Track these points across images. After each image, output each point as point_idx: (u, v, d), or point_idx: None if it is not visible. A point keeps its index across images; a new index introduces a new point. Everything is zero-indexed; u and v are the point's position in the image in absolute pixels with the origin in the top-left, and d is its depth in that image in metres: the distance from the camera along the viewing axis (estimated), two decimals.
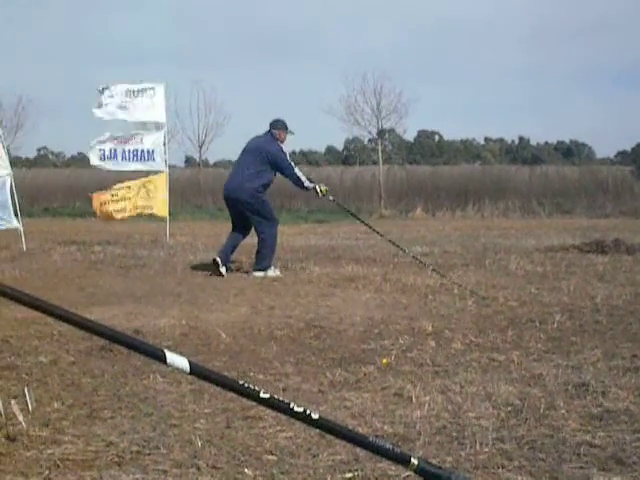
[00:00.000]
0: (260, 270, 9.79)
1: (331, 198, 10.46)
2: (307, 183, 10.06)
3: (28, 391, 3.87)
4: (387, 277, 9.31)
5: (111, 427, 3.72)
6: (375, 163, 33.65)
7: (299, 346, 5.68)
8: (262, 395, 2.23)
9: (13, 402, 3.66)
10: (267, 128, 10.23)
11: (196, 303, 7.63)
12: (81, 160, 51.23)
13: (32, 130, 38.06)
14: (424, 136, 66.85)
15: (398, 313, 6.99)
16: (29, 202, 28.10)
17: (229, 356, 5.35)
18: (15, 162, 15.67)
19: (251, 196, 9.92)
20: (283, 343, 5.77)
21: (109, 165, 15.57)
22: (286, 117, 10.30)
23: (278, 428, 3.68)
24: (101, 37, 55.27)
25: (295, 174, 9.94)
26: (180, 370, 2.18)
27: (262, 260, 9.95)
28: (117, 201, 15.27)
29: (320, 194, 10.04)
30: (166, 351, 2.15)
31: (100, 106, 15.21)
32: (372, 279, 9.18)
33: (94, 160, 15.53)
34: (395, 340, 5.79)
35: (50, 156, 61.13)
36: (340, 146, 57.71)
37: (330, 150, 59.05)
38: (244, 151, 10.26)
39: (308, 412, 2.32)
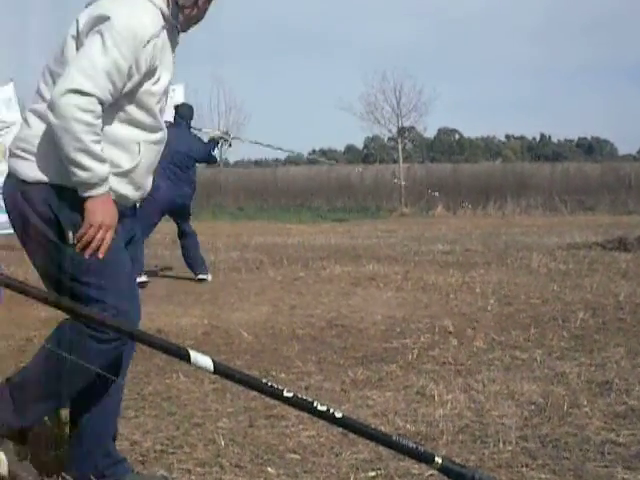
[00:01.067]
0: None
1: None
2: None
3: None
4: (408, 275, 9.29)
5: (135, 426, 3.75)
6: (395, 161, 33.57)
7: (321, 345, 5.69)
8: (285, 394, 2.24)
9: None
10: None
11: (217, 302, 7.66)
12: None
13: None
14: (444, 134, 66.75)
15: (419, 312, 6.98)
16: None
17: (251, 355, 5.37)
18: None
19: None
20: (305, 342, 5.78)
21: None
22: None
23: (301, 427, 3.69)
24: None
25: None
26: (204, 369, 2.19)
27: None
28: None
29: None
30: (190, 350, 2.16)
31: None
32: (393, 278, 9.17)
33: None
34: (417, 339, 5.79)
35: None
36: (360, 144, 57.73)
37: (350, 149, 59.05)
38: None
39: (331, 411, 2.32)
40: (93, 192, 2.65)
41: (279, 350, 5.50)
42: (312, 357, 5.26)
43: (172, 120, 9.26)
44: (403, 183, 27.73)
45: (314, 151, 58.49)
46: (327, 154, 58.66)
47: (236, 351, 5.51)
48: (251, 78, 58.51)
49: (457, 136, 69.08)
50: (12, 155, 2.77)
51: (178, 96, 15.32)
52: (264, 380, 2.27)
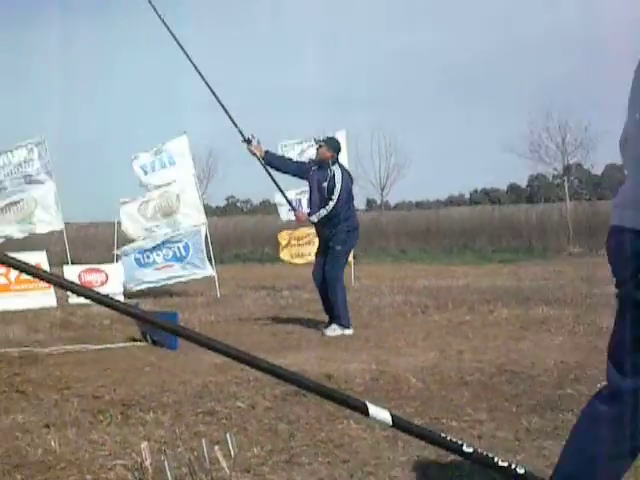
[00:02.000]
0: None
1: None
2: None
3: (230, 437, 4.02)
4: (580, 319, 8.98)
5: (309, 473, 3.79)
6: (561, 200, 32.70)
7: (491, 392, 5.57)
8: (465, 449, 2.21)
9: (216, 448, 3.81)
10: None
11: (384, 347, 7.66)
12: (267, 207, 52.99)
13: (222, 179, 39.98)
14: (613, 170, 64.35)
15: (594, 357, 6.69)
16: (220, 249, 29.30)
17: (420, 402, 5.33)
18: (206, 211, 16.41)
19: None
20: (475, 388, 5.69)
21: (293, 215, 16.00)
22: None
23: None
24: (282, 86, 57.24)
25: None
26: (382, 423, 2.20)
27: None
28: (303, 245, 15.73)
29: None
30: (368, 404, 2.17)
31: None
32: (564, 321, 8.89)
33: (284, 215, 16.04)
34: (592, 386, 5.55)
35: (238, 204, 63.54)
36: (523, 183, 56.57)
37: (513, 188, 57.95)
38: None
39: (513, 466, 2.27)
40: None
41: (448, 397, 5.43)
42: (483, 404, 5.16)
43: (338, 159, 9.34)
44: (570, 222, 26.93)
45: (476, 191, 57.86)
46: (490, 194, 57.86)
47: (405, 397, 5.49)
48: (411, 119, 58.83)
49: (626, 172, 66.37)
50: (619, 206, 2.53)
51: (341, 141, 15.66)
52: (443, 434, 2.25)
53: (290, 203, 9.79)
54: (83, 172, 45.45)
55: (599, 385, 5.49)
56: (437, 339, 8.06)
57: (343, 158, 15.37)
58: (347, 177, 9.25)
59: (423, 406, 5.20)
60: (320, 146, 9.31)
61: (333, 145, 9.33)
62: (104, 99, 59.47)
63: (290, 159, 10.17)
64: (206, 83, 9.23)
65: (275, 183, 9.49)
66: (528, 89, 55.73)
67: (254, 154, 9.06)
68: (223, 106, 9.24)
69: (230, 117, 9.24)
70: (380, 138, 36.71)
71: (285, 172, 9.50)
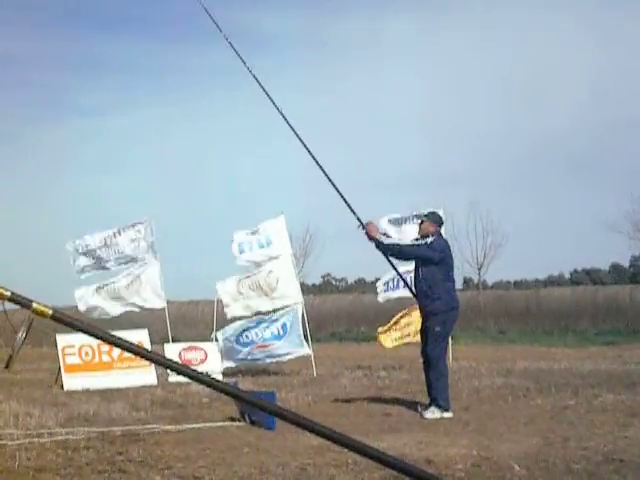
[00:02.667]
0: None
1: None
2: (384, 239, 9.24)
3: None
4: None
5: None
6: None
7: None
8: None
9: None
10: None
11: (485, 432, 7.48)
12: (363, 285, 52.99)
13: (318, 257, 40.28)
14: None
15: None
16: (317, 328, 29.39)
17: None
18: (302, 289, 16.55)
19: None
20: (581, 478, 5.48)
21: (392, 295, 15.96)
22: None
23: None
24: (375, 162, 57.83)
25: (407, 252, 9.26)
26: None
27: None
28: (403, 327, 15.66)
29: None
30: None
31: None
32: None
33: (381, 296, 16.09)
34: None
35: (334, 282, 63.71)
36: (626, 263, 55.05)
37: (615, 268, 56.43)
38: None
39: None
40: None
41: None
42: None
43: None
44: None
45: (577, 271, 56.57)
46: (591, 274, 56.47)
47: None
48: (509, 197, 58.35)
49: None
50: None
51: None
52: None
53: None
54: (183, 251, 46.50)
55: None
56: (540, 424, 7.83)
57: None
58: (446, 244, 9.27)
59: None
60: (422, 221, 9.37)
61: (435, 219, 9.38)
62: (207, 180, 61.07)
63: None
64: (321, 169, 9.24)
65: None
66: (631, 167, 54.68)
67: (371, 239, 9.07)
68: (340, 192, 9.22)
69: (346, 201, 9.26)
70: (477, 217, 36.50)
71: (399, 258, 9.60)
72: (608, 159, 56.17)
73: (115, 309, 15.85)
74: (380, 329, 16.29)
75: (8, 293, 2.61)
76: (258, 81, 9.46)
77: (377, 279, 17.01)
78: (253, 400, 3.25)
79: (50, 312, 2.60)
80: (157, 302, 15.78)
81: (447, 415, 8.60)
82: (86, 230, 16.11)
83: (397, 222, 15.44)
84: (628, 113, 55.09)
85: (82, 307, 15.65)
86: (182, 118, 62.70)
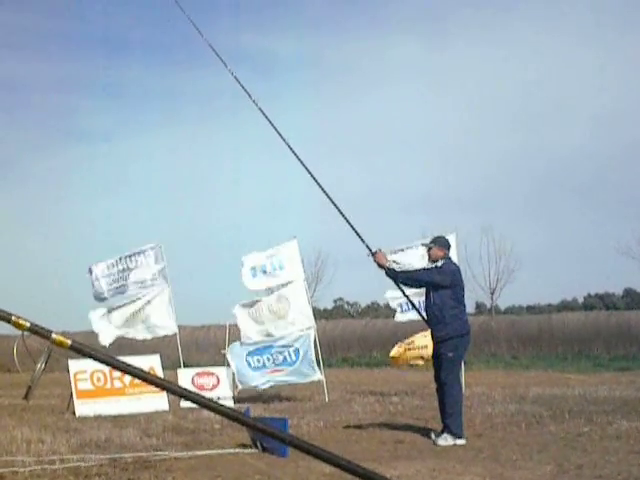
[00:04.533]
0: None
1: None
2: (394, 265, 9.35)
3: None
4: None
5: None
6: None
7: None
8: None
9: None
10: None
11: (498, 459, 7.43)
12: (375, 310, 52.89)
13: (330, 281, 40.25)
14: None
15: None
16: (329, 352, 29.29)
17: None
18: (314, 313, 16.53)
19: None
20: None
21: (404, 317, 15.93)
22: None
23: None
24: (386, 185, 57.83)
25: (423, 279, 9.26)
26: None
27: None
28: (413, 349, 15.60)
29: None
30: None
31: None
32: None
33: (398, 317, 16.08)
34: None
35: (346, 306, 63.60)
36: None
37: (629, 293, 56.13)
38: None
39: None
40: None
41: None
42: None
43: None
44: None
45: (590, 295, 56.32)
46: (604, 298, 56.19)
47: None
48: (521, 221, 58.27)
49: None
50: None
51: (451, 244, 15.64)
52: None
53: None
54: (194, 275, 46.54)
55: None
56: (554, 452, 7.77)
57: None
58: (456, 268, 9.29)
59: None
60: (430, 248, 9.38)
61: (442, 243, 9.41)
62: (215, 204, 61.27)
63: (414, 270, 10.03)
64: (323, 191, 9.33)
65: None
66: None
67: (381, 266, 9.12)
68: (347, 220, 9.27)
69: (356, 231, 9.29)
70: (489, 241, 36.43)
71: (410, 284, 9.64)
72: (621, 183, 56.03)
73: (127, 334, 15.87)
74: (393, 352, 16.25)
75: (27, 324, 2.63)
76: (264, 113, 9.60)
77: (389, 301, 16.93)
78: (265, 428, 3.25)
79: (69, 342, 2.62)
80: (169, 328, 15.80)
81: (460, 442, 8.55)
82: (94, 255, 16.18)
83: (402, 251, 15.43)
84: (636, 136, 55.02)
85: (100, 336, 15.67)
86: (191, 141, 62.91)
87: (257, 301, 15.52)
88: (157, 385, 3.13)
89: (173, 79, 63.00)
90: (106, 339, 15.60)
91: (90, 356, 2.67)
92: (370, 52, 60.58)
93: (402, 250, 15.37)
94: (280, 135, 9.50)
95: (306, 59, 60.71)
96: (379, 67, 61.08)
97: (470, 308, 41.84)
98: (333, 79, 63.09)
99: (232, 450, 8.34)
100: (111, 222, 56.86)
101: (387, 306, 17.04)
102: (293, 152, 9.45)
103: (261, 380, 14.77)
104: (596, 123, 55.55)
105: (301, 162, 9.39)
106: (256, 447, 8.28)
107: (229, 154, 61.28)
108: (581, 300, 55.96)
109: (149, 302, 15.73)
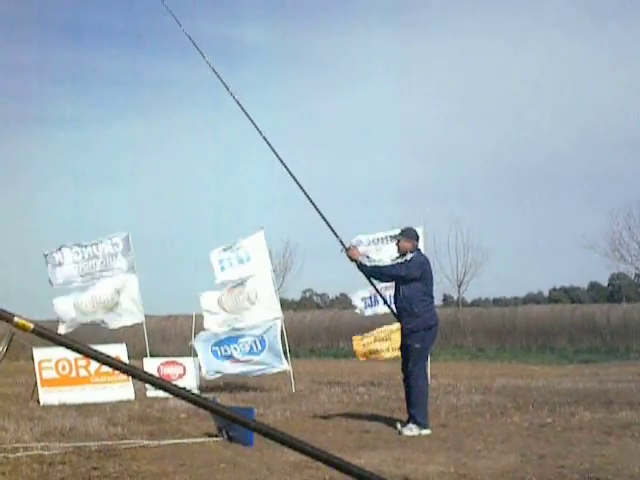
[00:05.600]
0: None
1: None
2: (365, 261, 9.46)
3: None
4: None
5: None
6: None
7: None
8: None
9: None
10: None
11: (463, 449, 7.49)
12: (344, 301, 53.03)
13: (298, 273, 40.27)
14: None
15: None
16: (296, 343, 29.35)
17: None
18: (282, 304, 16.53)
19: None
20: None
21: (369, 311, 15.91)
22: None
23: None
24: (355, 178, 57.90)
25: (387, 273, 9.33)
26: None
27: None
28: (379, 341, 15.65)
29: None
30: None
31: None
32: None
33: (365, 311, 16.03)
34: None
35: (314, 297, 63.69)
36: (604, 282, 55.43)
37: (594, 286, 56.81)
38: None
39: None
40: None
41: None
42: None
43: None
44: None
45: (555, 289, 56.91)
46: (569, 292, 56.81)
47: None
48: (489, 215, 58.73)
49: None
50: None
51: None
52: None
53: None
54: (161, 265, 46.35)
55: None
56: (517, 442, 7.85)
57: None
58: (425, 260, 9.34)
59: None
60: (399, 240, 9.42)
61: (410, 235, 9.44)
62: (184, 194, 61.00)
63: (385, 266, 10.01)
64: (301, 187, 9.33)
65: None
66: (609, 187, 55.18)
67: (353, 261, 9.18)
68: (322, 215, 9.29)
69: (330, 226, 9.31)
70: (457, 234, 36.64)
71: (381, 279, 9.69)
72: (587, 179, 56.64)
73: (94, 322, 15.75)
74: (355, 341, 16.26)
75: None
76: (241, 106, 9.56)
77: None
78: (232, 415, 3.25)
79: (31, 326, 2.59)
80: (135, 316, 15.70)
81: (425, 432, 8.61)
82: (63, 243, 16.00)
83: (376, 243, 15.43)
84: (607, 133, 55.65)
85: (61, 323, 15.55)
86: (159, 129, 62.63)
87: (224, 291, 15.48)
88: (124, 371, 3.11)
89: (143, 66, 62.65)
90: (68, 327, 15.46)
91: (53, 340, 2.64)
92: (344, 44, 60.70)
93: (376, 242, 15.34)
94: (256, 127, 9.49)
95: (279, 50, 60.66)
96: (353, 59, 61.31)
97: (437, 300, 41.92)
98: (307, 70, 63.15)
99: (198, 439, 8.32)
100: (76, 210, 56.44)
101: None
102: (268, 144, 9.43)
103: (227, 369, 14.74)
104: (563, 118, 56.09)
105: (276, 154, 9.39)
106: (222, 436, 8.27)
107: (197, 143, 61.17)
108: (547, 293, 56.60)
109: (116, 291, 15.62)
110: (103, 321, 15.69)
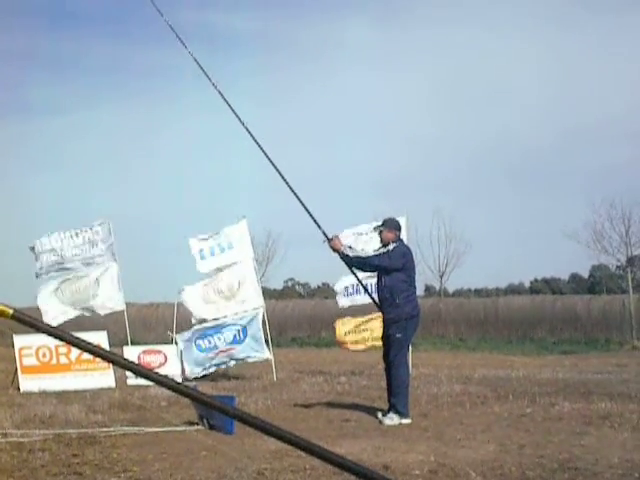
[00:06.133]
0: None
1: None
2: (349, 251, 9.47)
3: None
4: None
5: None
6: (624, 291, 32.13)
7: None
8: None
9: None
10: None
11: (443, 438, 7.52)
12: (325, 290, 53.03)
13: (280, 262, 40.18)
14: None
15: None
16: (278, 332, 29.36)
17: None
18: (264, 293, 16.52)
19: None
20: None
21: (354, 300, 15.87)
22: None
23: None
24: (337, 169, 57.84)
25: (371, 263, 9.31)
26: None
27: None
28: (360, 331, 15.66)
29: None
30: None
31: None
32: (628, 417, 8.63)
33: (341, 301, 15.96)
34: None
35: (297, 287, 63.69)
36: (585, 273, 55.75)
37: (574, 278, 57.11)
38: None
39: None
40: None
41: None
42: None
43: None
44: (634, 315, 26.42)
45: (536, 280, 57.17)
46: (550, 283, 57.08)
47: None
48: (471, 206, 58.95)
49: None
50: None
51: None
52: None
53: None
54: (143, 253, 46.19)
55: None
56: (497, 432, 7.89)
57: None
58: (407, 250, 9.34)
59: None
60: (381, 231, 9.42)
61: (392, 225, 9.44)
62: (166, 182, 60.80)
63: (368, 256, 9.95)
64: (283, 178, 9.30)
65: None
66: (592, 178, 55.42)
67: (336, 251, 9.18)
68: (305, 206, 9.26)
69: (313, 217, 9.28)
70: (440, 225, 36.67)
71: (364, 270, 9.70)
72: (569, 169, 56.82)
73: (73, 312, 15.67)
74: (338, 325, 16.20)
75: None
76: (223, 96, 9.50)
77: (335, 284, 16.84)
78: (213, 403, 3.24)
79: (11, 312, 2.57)
80: (116, 304, 15.64)
81: (405, 421, 8.64)
82: (42, 231, 15.91)
83: (360, 234, 15.40)
84: (588, 121, 55.84)
85: (42, 310, 15.46)
86: (140, 116, 62.20)
87: (206, 282, 15.44)
88: (105, 359, 3.09)
89: (123, 52, 62.22)
90: (54, 318, 15.38)
91: (32, 326, 2.62)
92: (325, 33, 60.52)
93: (361, 233, 15.29)
94: (237, 117, 9.41)
95: (260, 39, 60.44)
96: (333, 49, 61.09)
97: (419, 290, 42.02)
98: (287, 60, 62.90)
99: (179, 427, 8.32)
100: (56, 197, 56.11)
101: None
102: (250, 133, 9.37)
103: (211, 361, 14.68)
104: (545, 108, 56.21)
105: (258, 144, 9.34)
106: (203, 424, 8.26)
107: (180, 131, 60.77)
108: (528, 284, 56.80)
109: (96, 279, 15.55)
110: (85, 309, 15.62)
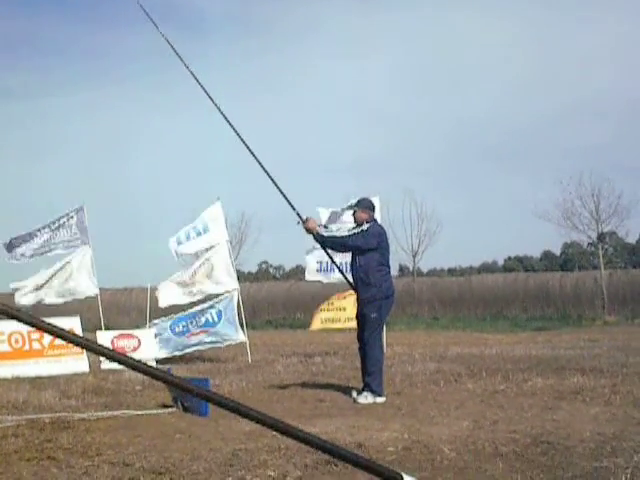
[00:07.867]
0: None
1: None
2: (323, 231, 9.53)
3: None
4: (616, 389, 8.82)
5: None
6: (596, 268, 32.44)
7: (526, 463, 5.46)
8: None
9: None
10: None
11: (417, 416, 7.57)
12: (299, 273, 53.11)
13: (254, 245, 40.11)
14: None
15: (631, 428, 6.57)
16: (252, 314, 29.36)
17: (454, 472, 5.24)
18: (239, 277, 16.47)
19: None
20: (509, 460, 5.58)
21: (327, 277, 15.83)
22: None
23: None
24: (309, 150, 57.84)
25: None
26: None
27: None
28: (333, 310, 15.66)
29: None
30: (404, 475, 2.15)
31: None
32: (600, 391, 8.73)
33: (312, 275, 15.81)
34: (629, 458, 5.44)
35: (271, 269, 63.70)
36: (557, 251, 56.23)
37: (547, 255, 57.57)
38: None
39: None
40: None
41: (482, 468, 5.34)
42: (517, 476, 5.06)
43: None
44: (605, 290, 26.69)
45: (509, 258, 57.58)
46: (523, 261, 57.52)
47: (438, 468, 5.40)
48: (443, 186, 59.24)
49: None
50: None
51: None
52: None
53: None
54: (117, 238, 45.96)
55: (636, 458, 5.40)
56: (471, 408, 7.95)
57: None
58: (382, 230, 9.34)
59: (456, 477, 5.11)
60: (355, 211, 9.42)
61: (366, 205, 9.44)
62: (137, 166, 60.55)
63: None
64: (256, 159, 9.25)
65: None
66: (561, 156, 55.83)
67: (310, 232, 9.16)
68: (279, 187, 9.21)
69: (287, 199, 9.23)
70: (411, 204, 36.76)
71: (338, 250, 9.67)
72: (539, 148, 57.23)
73: (47, 297, 15.57)
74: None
75: None
76: (196, 77, 9.40)
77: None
78: (187, 386, 3.22)
79: None
80: (89, 289, 15.56)
81: (380, 400, 8.68)
82: (15, 215, 15.78)
83: (335, 215, 15.34)
84: (560, 103, 56.19)
85: (17, 297, 15.36)
86: (113, 100, 61.84)
87: (179, 274, 15.38)
88: (77, 344, 3.06)
89: (96, 36, 61.58)
90: (26, 299, 15.29)
91: (4, 313, 2.58)
92: (298, 14, 60.21)
93: (336, 214, 15.22)
94: (210, 97, 9.33)
95: (234, 19, 60.01)
96: (308, 30, 60.84)
97: (393, 270, 42.15)
98: (260, 40, 62.60)
99: (153, 410, 8.30)
100: (29, 183, 55.60)
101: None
102: (222, 114, 9.30)
103: (185, 343, 14.67)
104: (515, 89, 56.45)
105: (231, 125, 9.27)
106: (177, 407, 8.25)
107: (152, 114, 60.52)
108: (501, 262, 57.24)
109: (69, 263, 15.45)
110: (59, 293, 15.52)
